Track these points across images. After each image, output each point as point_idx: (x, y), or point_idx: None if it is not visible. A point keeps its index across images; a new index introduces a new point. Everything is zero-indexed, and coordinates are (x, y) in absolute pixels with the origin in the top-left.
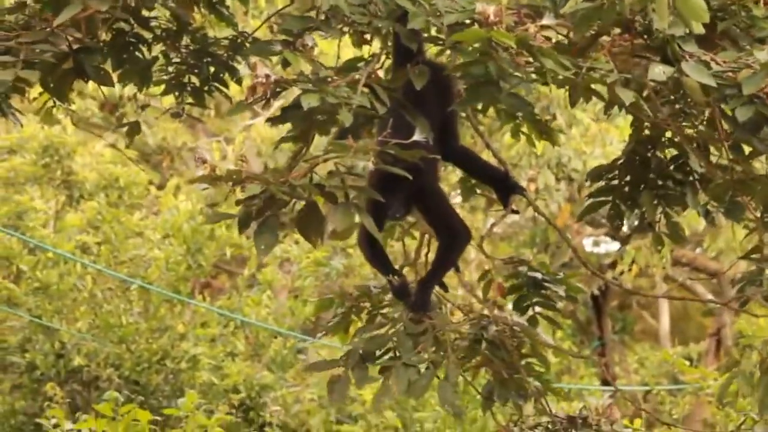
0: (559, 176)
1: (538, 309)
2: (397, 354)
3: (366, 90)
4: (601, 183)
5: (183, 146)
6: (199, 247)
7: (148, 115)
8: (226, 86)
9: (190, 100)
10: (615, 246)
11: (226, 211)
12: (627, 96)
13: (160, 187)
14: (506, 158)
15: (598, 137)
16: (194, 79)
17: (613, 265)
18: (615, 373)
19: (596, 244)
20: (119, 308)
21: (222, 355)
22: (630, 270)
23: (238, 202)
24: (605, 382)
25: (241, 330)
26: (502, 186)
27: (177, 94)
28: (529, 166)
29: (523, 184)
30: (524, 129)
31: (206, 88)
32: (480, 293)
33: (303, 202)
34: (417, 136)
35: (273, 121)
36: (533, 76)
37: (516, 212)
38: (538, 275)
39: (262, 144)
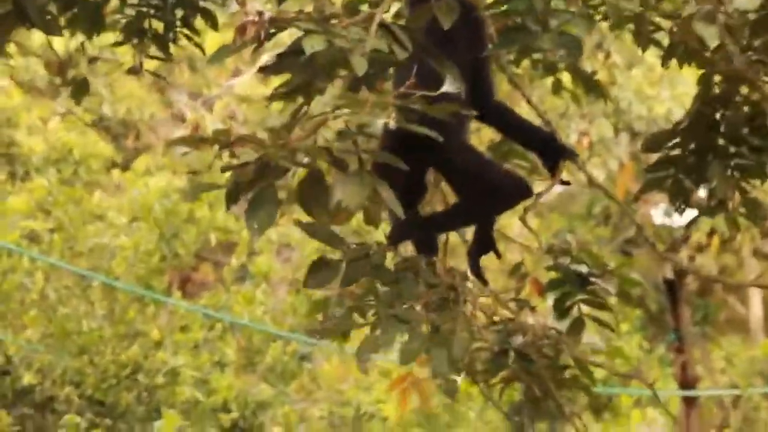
0: (618, 126)
1: (583, 309)
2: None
3: (382, 30)
4: (661, 153)
5: (151, 118)
6: (175, 232)
7: (99, 70)
8: (197, 33)
9: (153, 50)
10: (692, 215)
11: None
12: (710, 34)
13: (125, 169)
14: (551, 107)
15: (665, 77)
16: (157, 24)
17: (687, 240)
18: (696, 374)
19: (668, 213)
20: (78, 311)
21: (208, 365)
22: (709, 244)
23: (224, 169)
24: (684, 386)
25: (230, 333)
26: (548, 150)
27: (136, 42)
28: (580, 116)
29: (573, 137)
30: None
31: (172, 35)
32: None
33: (304, 171)
34: (447, 87)
35: (267, 70)
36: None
37: (566, 183)
38: (583, 268)
39: (248, 109)
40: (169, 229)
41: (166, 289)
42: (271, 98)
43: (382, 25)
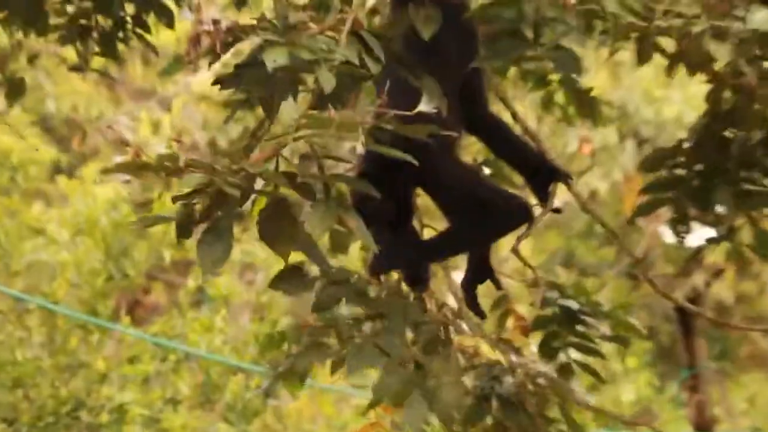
0: (623, 131)
1: (572, 354)
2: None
3: (353, 39)
4: (661, 173)
5: (101, 117)
6: (124, 249)
7: (42, 65)
8: (148, 30)
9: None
10: (706, 234)
11: (158, 212)
12: (722, 53)
13: (70, 174)
14: (544, 115)
15: (676, 76)
16: (103, 22)
17: (700, 262)
18: (714, 416)
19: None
20: (12, 338)
21: (159, 401)
22: (726, 268)
23: (174, 199)
24: (700, 429)
25: (185, 366)
26: (537, 172)
27: (79, 43)
28: (580, 120)
29: (573, 145)
30: (558, 97)
31: (120, 35)
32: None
33: (265, 199)
34: (424, 105)
35: (223, 83)
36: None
37: (557, 210)
38: (573, 305)
39: (209, 110)
40: (118, 246)
41: (113, 315)
42: (231, 110)
43: (355, 33)
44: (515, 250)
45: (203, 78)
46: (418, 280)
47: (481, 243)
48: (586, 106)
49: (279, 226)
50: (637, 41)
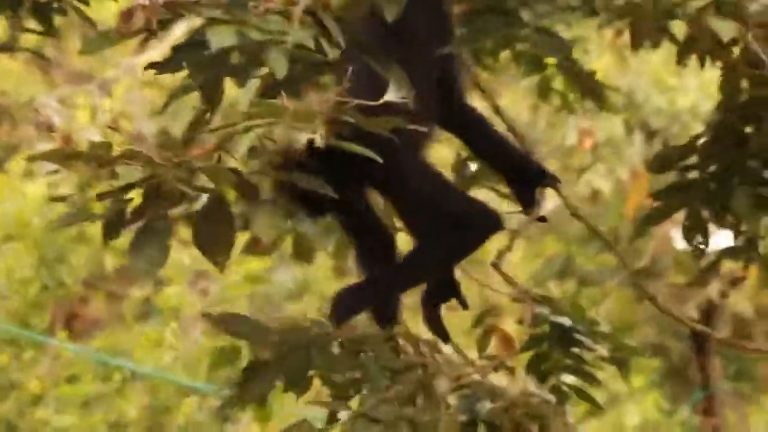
0: (631, 123)
1: (566, 378)
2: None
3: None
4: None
5: (32, 102)
6: (59, 255)
7: None
8: (87, 2)
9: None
10: (724, 236)
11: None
12: (726, 29)
13: None
14: (540, 104)
15: (690, 60)
16: None
17: (716, 271)
18: None
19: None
20: None
21: (103, 426)
22: (745, 277)
23: (101, 196)
24: None
25: (131, 385)
26: (521, 175)
27: (10, 15)
28: (581, 109)
29: (572, 137)
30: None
31: (57, 5)
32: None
33: (204, 197)
34: (391, 95)
35: (160, 67)
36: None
37: (543, 219)
38: (566, 321)
39: (158, 94)
40: (52, 251)
41: (48, 328)
42: (171, 97)
43: (310, 14)
44: (496, 265)
45: (151, 59)
46: (387, 318)
47: (452, 260)
48: (589, 91)
49: (216, 231)
50: (631, 23)
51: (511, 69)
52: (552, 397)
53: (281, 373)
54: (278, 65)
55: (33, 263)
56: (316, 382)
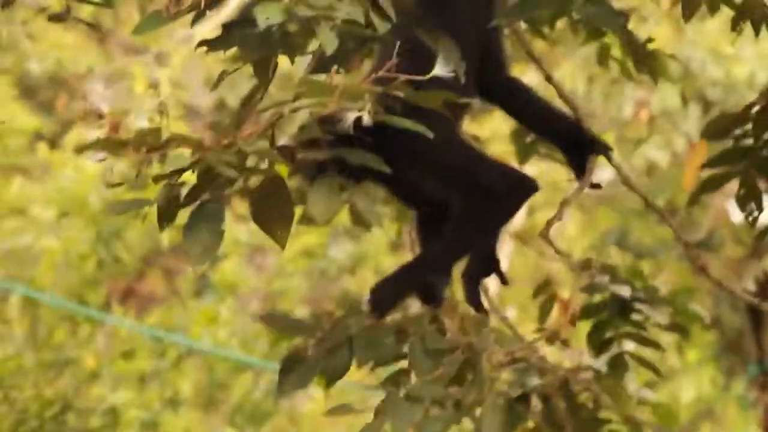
0: (687, 94)
1: (626, 346)
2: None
3: None
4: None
5: (89, 74)
6: (116, 231)
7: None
8: None
9: None
10: None
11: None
12: None
13: (54, 144)
14: (598, 72)
15: (746, 29)
16: None
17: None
18: None
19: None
20: None
21: (158, 402)
22: None
23: (156, 179)
24: None
25: (187, 362)
26: (572, 143)
27: None
28: (638, 80)
29: (628, 110)
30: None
31: None
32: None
33: (259, 177)
34: (440, 69)
35: (210, 44)
36: None
37: (596, 186)
38: (626, 291)
39: (215, 63)
40: (109, 227)
41: (104, 305)
42: (220, 78)
43: None
44: (544, 235)
45: (207, 30)
46: (432, 297)
47: (490, 230)
48: (645, 61)
49: (274, 208)
50: None
51: (568, 38)
52: (605, 370)
53: (321, 368)
54: (328, 41)
55: (90, 239)
56: None
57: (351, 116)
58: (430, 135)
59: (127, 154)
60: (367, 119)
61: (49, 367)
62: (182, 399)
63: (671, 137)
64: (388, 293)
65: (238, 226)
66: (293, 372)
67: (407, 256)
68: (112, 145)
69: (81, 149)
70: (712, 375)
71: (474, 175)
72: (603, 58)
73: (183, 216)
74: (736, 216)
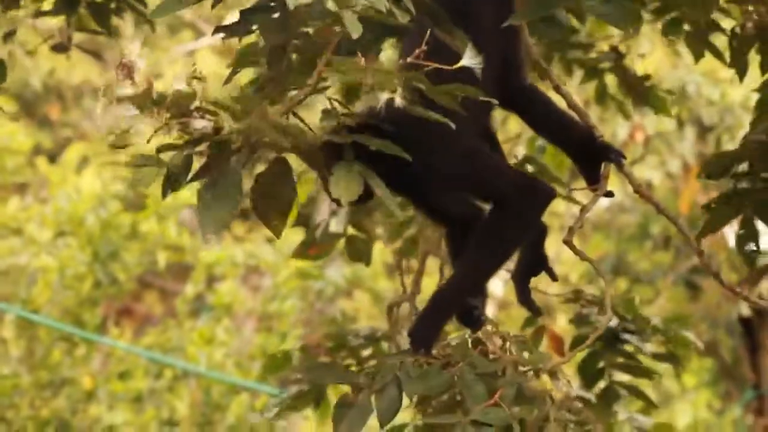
0: (682, 116)
1: (618, 376)
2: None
3: None
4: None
5: (85, 85)
6: (113, 251)
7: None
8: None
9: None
10: None
11: (153, 211)
12: None
13: (52, 158)
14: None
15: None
16: None
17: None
18: None
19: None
20: None
21: (154, 423)
22: None
23: (160, 149)
24: None
25: (183, 383)
26: (585, 151)
27: (66, 15)
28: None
29: (623, 132)
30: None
31: (114, 5)
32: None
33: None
34: (466, 61)
35: (227, 30)
36: None
37: (610, 194)
38: (614, 322)
39: (213, 80)
40: (106, 247)
41: (101, 325)
42: (234, 65)
43: None
44: (569, 242)
45: (209, 43)
46: (472, 320)
47: (515, 240)
48: (641, 96)
49: (276, 193)
50: (688, 35)
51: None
52: (594, 399)
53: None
54: (353, 26)
55: (86, 259)
56: None
57: (383, 97)
58: (452, 126)
59: (154, 115)
60: (399, 101)
61: (45, 387)
62: (178, 419)
63: (666, 158)
64: (428, 328)
65: (234, 247)
66: (346, 418)
67: (402, 280)
68: (145, 101)
69: (112, 101)
70: (709, 399)
71: (489, 184)
72: (601, 96)
73: (179, 233)
74: (733, 241)
